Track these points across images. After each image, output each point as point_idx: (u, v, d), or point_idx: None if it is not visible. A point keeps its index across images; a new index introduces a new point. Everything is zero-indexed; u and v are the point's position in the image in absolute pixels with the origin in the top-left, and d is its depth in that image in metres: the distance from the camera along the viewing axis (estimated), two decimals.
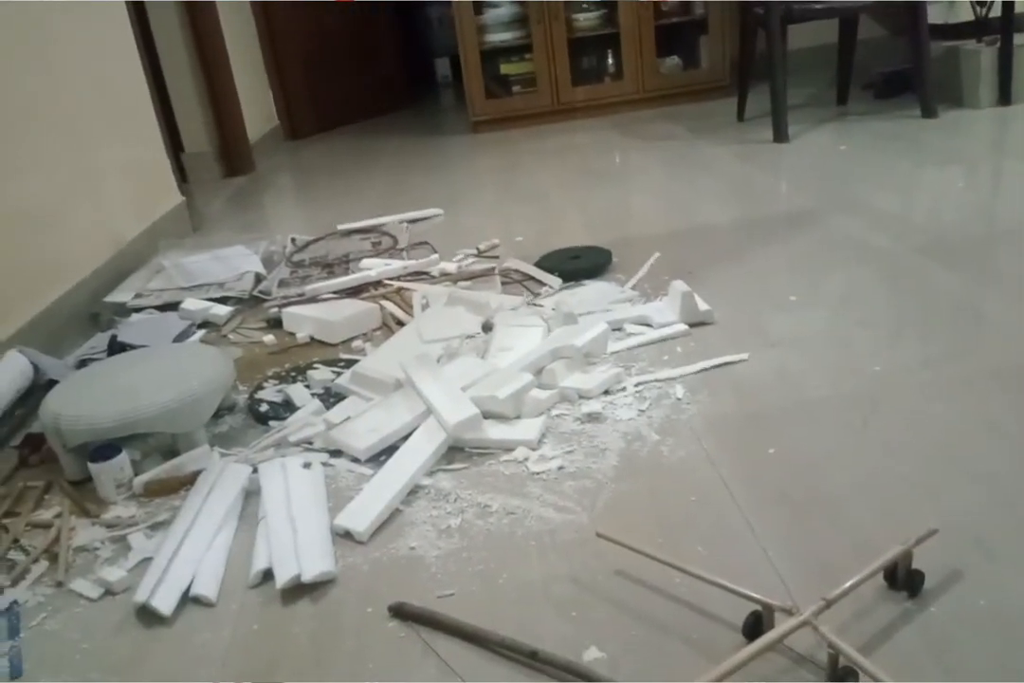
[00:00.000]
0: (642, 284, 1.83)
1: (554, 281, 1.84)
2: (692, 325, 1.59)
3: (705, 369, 1.43)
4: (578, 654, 0.87)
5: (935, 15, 3.09)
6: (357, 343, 1.68)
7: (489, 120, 3.76)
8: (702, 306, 1.60)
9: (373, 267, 1.97)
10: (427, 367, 1.38)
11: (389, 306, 1.77)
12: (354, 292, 1.89)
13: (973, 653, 0.81)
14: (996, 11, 2.96)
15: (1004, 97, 2.98)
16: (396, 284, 1.86)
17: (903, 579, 0.88)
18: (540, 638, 0.89)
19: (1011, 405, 1.20)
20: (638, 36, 3.65)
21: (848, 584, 0.82)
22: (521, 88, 3.74)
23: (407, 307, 1.76)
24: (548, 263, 1.93)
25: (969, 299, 1.56)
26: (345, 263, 2.10)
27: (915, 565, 0.89)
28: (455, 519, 1.12)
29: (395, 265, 1.93)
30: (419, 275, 1.96)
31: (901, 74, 3.38)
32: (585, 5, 3.65)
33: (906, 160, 2.53)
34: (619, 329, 1.61)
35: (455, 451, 1.27)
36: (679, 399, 1.34)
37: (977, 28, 3.01)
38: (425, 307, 1.74)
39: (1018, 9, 2.93)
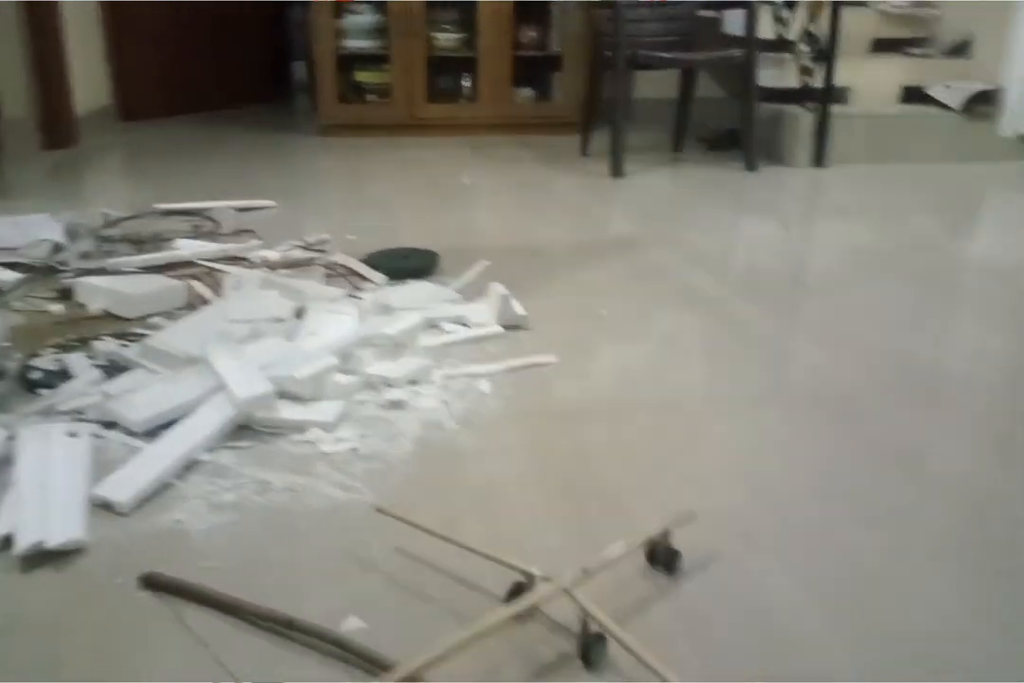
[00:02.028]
0: (467, 289, 1.84)
1: (379, 278, 1.82)
2: (507, 328, 1.61)
3: (513, 368, 1.45)
4: (337, 623, 0.84)
5: (766, 78, 3.35)
6: (157, 320, 1.58)
7: (340, 125, 3.71)
8: (518, 310, 1.62)
9: (187, 248, 1.88)
10: (226, 345, 1.31)
11: (198, 286, 1.68)
12: (163, 270, 1.78)
13: (719, 626, 0.84)
14: (820, 81, 3.26)
15: (819, 159, 3.26)
16: (209, 265, 1.77)
17: (662, 558, 0.91)
18: (302, 610, 0.85)
19: (785, 420, 1.29)
20: (496, 64, 3.74)
21: (608, 557, 0.84)
22: (376, 97, 3.73)
23: (219, 289, 1.68)
24: (375, 260, 1.90)
25: (757, 325, 1.67)
26: (158, 242, 1.98)
27: (678, 549, 0.92)
28: (231, 494, 1.06)
29: (211, 247, 1.84)
30: (237, 260, 1.88)
31: (733, 131, 3.64)
32: (446, 26, 3.70)
33: (724, 205, 2.71)
34: (436, 327, 1.60)
35: (245, 430, 1.21)
36: (484, 393, 1.35)
37: (802, 95, 3.30)
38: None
39: (838, 82, 3.25)
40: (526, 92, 3.90)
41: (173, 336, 1.39)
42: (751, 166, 3.19)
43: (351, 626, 0.84)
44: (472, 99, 3.83)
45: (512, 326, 1.62)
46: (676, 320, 1.69)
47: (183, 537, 0.98)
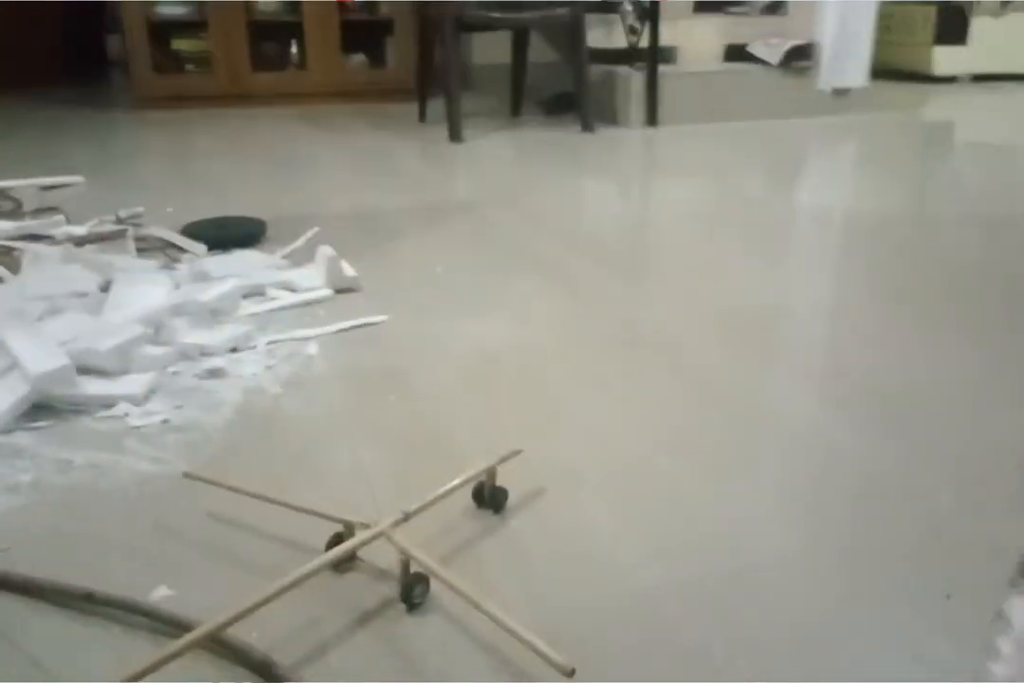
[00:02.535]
0: (296, 255, 1.77)
1: (199, 248, 1.72)
2: (339, 292, 1.56)
3: (343, 329, 1.41)
4: (146, 594, 0.79)
5: (596, 40, 3.40)
6: None
7: (157, 97, 3.51)
8: (348, 272, 1.58)
9: None
10: (20, 321, 1.21)
11: None
12: None
13: (541, 558, 0.85)
14: (646, 42, 3.33)
15: (651, 118, 3.35)
16: (6, 244, 1.63)
17: (488, 497, 0.90)
18: (107, 584, 0.79)
19: (616, 367, 1.31)
20: (323, 29, 3.62)
21: (429, 498, 0.83)
22: (195, 67, 3.54)
23: (16, 268, 1.55)
24: (194, 230, 1.80)
25: (589, 279, 1.70)
26: None
27: (505, 487, 0.92)
28: (26, 476, 0.98)
29: (6, 225, 1.69)
30: (40, 239, 1.74)
31: (569, 95, 3.68)
32: None
33: (560, 166, 2.74)
34: (261, 294, 1.54)
35: (44, 409, 1.12)
36: (311, 356, 1.30)
37: (630, 55, 3.36)
38: None
39: (664, 43, 3.33)
40: (358, 58, 3.81)
41: None
42: (587, 127, 3.24)
43: (159, 594, 0.79)
44: (301, 67, 3.70)
45: (344, 289, 1.57)
46: (511, 278, 1.69)
47: None
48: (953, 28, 4.40)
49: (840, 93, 3.56)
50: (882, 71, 4.37)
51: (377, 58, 3.89)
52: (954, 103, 4.05)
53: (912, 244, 1.89)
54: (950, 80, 4.51)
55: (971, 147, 3.04)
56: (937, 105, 4.00)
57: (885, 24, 4.53)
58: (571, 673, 0.66)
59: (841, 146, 3.07)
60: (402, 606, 0.78)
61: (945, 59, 4.46)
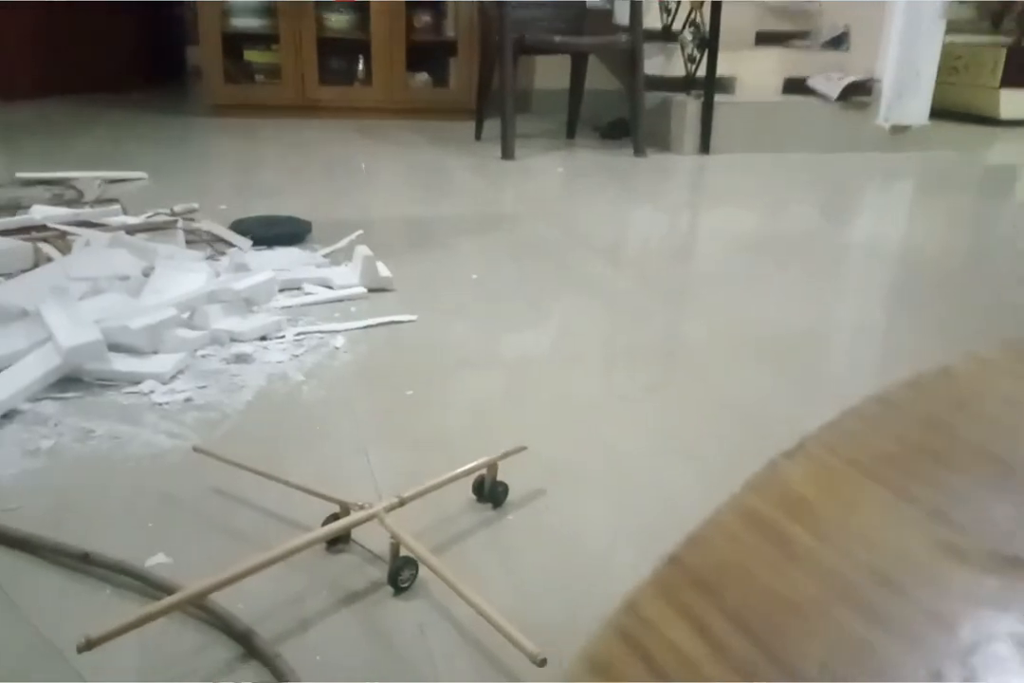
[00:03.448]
0: (337, 255, 1.81)
1: (244, 243, 1.77)
2: (372, 290, 1.59)
3: (371, 325, 1.43)
4: (142, 560, 0.81)
5: (654, 67, 3.42)
6: None
7: (228, 106, 3.62)
8: (383, 272, 1.60)
9: (43, 214, 1.79)
10: (61, 299, 1.25)
11: (47, 248, 1.61)
12: (14, 234, 1.69)
13: (532, 552, 0.84)
14: (704, 70, 3.35)
15: (705, 146, 3.35)
16: (63, 229, 1.69)
17: (489, 490, 0.90)
18: (106, 548, 0.81)
19: (634, 377, 1.30)
20: (389, 47, 3.71)
21: (426, 485, 0.83)
22: (265, 78, 3.65)
23: (68, 251, 1.61)
24: (242, 227, 1.85)
25: (625, 292, 1.70)
26: (13, 209, 1.89)
27: (506, 482, 0.92)
28: (47, 442, 1.01)
29: (64, 211, 1.76)
30: (95, 226, 1.80)
31: (624, 121, 3.71)
32: (338, 6, 3.65)
33: (610, 187, 2.75)
34: (298, 288, 1.57)
35: (74, 381, 1.16)
36: (337, 348, 1.33)
37: (687, 83, 3.38)
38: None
39: (723, 73, 3.34)
40: (421, 77, 3.89)
41: (8, 291, 1.32)
42: (639, 152, 3.25)
43: (155, 561, 0.81)
44: (366, 82, 3.79)
45: (378, 288, 1.60)
46: (545, 289, 1.70)
47: None
48: (1021, 71, 4.33)
49: (899, 130, 3.52)
50: (947, 112, 4.31)
51: (440, 77, 3.97)
52: (1019, 147, 3.98)
53: (961, 281, 1.85)
54: (1016, 124, 4.42)
55: None
56: (1001, 148, 3.93)
57: (952, 65, 4.48)
58: (542, 662, 0.65)
59: (896, 182, 3.03)
60: (389, 589, 0.78)
61: (1012, 102, 4.38)
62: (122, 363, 1.17)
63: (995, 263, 2.00)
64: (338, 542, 0.83)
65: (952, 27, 4.24)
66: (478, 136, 3.50)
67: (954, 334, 1.50)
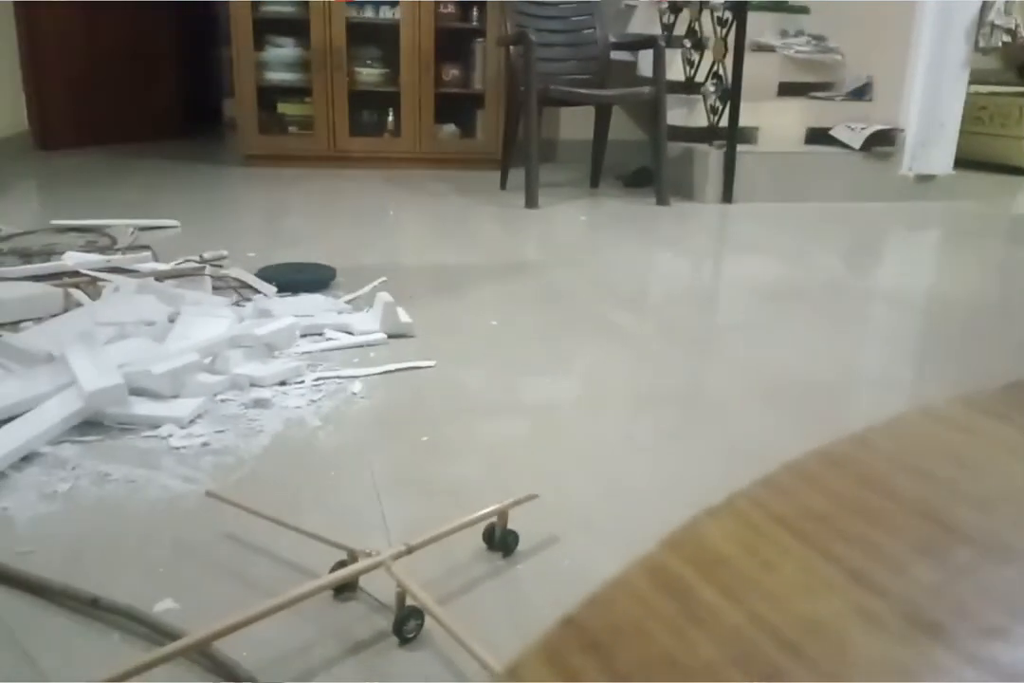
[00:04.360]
0: (360, 301, 1.84)
1: (269, 289, 1.80)
2: (392, 336, 1.61)
3: (389, 371, 1.44)
4: (151, 606, 0.81)
5: (677, 117, 3.48)
6: (28, 325, 1.54)
7: (261, 156, 3.72)
8: (404, 318, 1.62)
9: (75, 260, 1.84)
10: (86, 344, 1.28)
11: (77, 294, 1.65)
12: (47, 280, 1.74)
13: (545, 609, 0.83)
14: (725, 120, 3.39)
15: (727, 195, 3.37)
16: (94, 275, 1.74)
17: (499, 539, 0.89)
18: (116, 593, 0.81)
19: (652, 424, 1.30)
20: (418, 99, 3.81)
21: (434, 533, 0.83)
22: (298, 129, 3.76)
23: (98, 296, 1.65)
24: (268, 273, 1.89)
25: (644, 340, 1.70)
26: (48, 255, 1.94)
27: (516, 531, 0.91)
28: (65, 485, 1.02)
29: (96, 257, 1.81)
30: (126, 272, 1.85)
31: (647, 170, 3.75)
32: (369, 61, 3.76)
33: (633, 235, 2.77)
34: (320, 334, 1.59)
35: (95, 425, 1.17)
36: (354, 394, 1.34)
37: (710, 133, 3.42)
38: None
39: (746, 123, 3.38)
40: (449, 128, 3.98)
41: (36, 336, 1.35)
42: (662, 200, 3.28)
43: (163, 607, 0.81)
44: (396, 133, 3.88)
45: (398, 334, 1.61)
46: (564, 335, 1.71)
47: (6, 524, 0.94)
48: None
49: (923, 180, 3.52)
50: (972, 162, 4.31)
51: (467, 128, 4.05)
52: None
53: (985, 329, 1.83)
54: None
55: None
56: None
57: (976, 115, 4.50)
58: None
59: (921, 231, 3.02)
60: (395, 639, 0.77)
61: None
62: (142, 407, 1.18)
63: (1021, 311, 1.97)
64: (345, 590, 0.83)
65: (977, 77, 4.27)
66: (503, 185, 3.56)
67: (979, 382, 1.48)
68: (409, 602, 0.77)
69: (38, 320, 1.56)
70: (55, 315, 1.59)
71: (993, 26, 3.50)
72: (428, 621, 0.78)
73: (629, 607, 0.12)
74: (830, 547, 0.13)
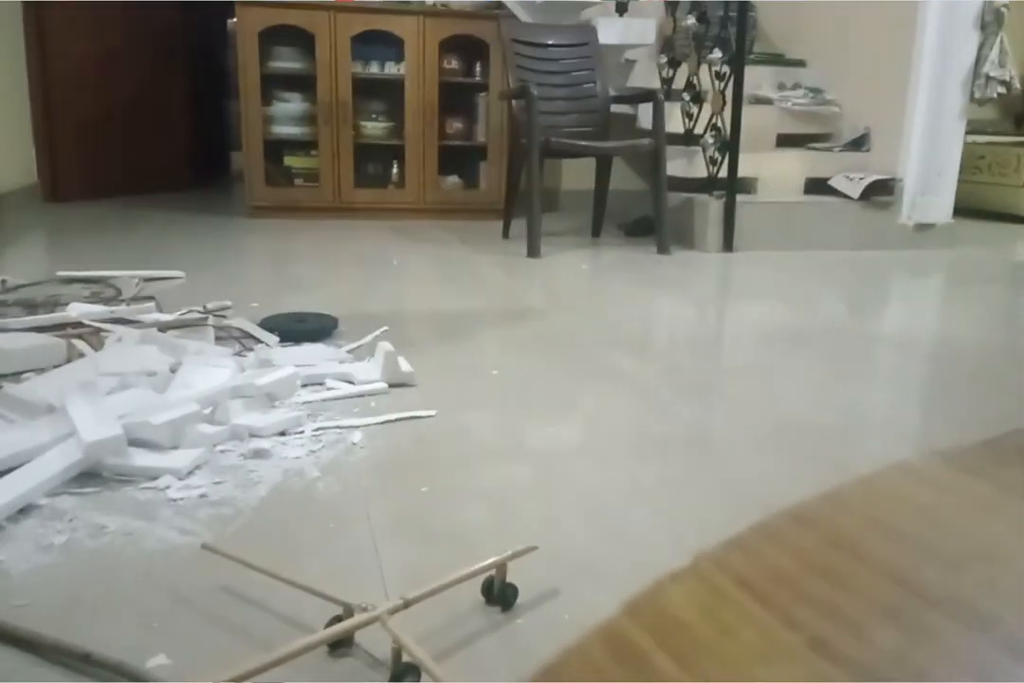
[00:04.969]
0: (361, 351, 1.84)
1: (271, 339, 1.81)
2: (393, 385, 1.61)
3: (390, 421, 1.43)
4: (144, 660, 0.79)
5: (677, 168, 3.53)
6: (30, 375, 1.55)
7: (268, 207, 3.78)
8: (405, 367, 1.62)
9: (79, 311, 1.86)
10: (87, 394, 1.28)
11: (81, 345, 1.66)
12: (51, 331, 1.75)
13: (541, 660, 0.81)
14: (724, 171, 3.44)
15: (727, 244, 3.40)
16: (96, 325, 1.75)
17: (498, 592, 0.88)
18: (110, 648, 0.80)
19: (653, 470, 1.29)
20: (422, 152, 3.88)
21: (431, 587, 0.81)
22: (304, 181, 3.82)
23: (100, 347, 1.66)
24: (271, 323, 1.90)
25: (647, 386, 1.70)
26: (52, 306, 1.96)
27: (517, 584, 0.90)
28: (61, 537, 1.01)
29: (100, 308, 1.82)
30: (130, 323, 1.86)
31: (649, 219, 3.80)
32: (374, 114, 3.85)
33: (632, 284, 2.79)
34: (321, 383, 1.59)
35: (93, 476, 1.17)
36: (354, 443, 1.33)
37: (709, 184, 3.47)
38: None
39: (745, 174, 3.43)
40: (452, 179, 4.04)
41: (38, 386, 1.36)
42: (663, 249, 3.31)
43: (156, 663, 0.79)
44: (400, 185, 3.95)
45: (399, 383, 1.61)
46: (565, 382, 1.71)
47: (2, 576, 0.93)
48: None
49: (923, 228, 3.55)
50: (971, 210, 4.35)
51: (471, 179, 4.12)
52: None
53: (990, 374, 1.82)
54: None
55: None
56: None
57: (975, 165, 4.56)
58: None
59: (921, 278, 3.04)
60: None
61: None
62: (141, 458, 1.18)
63: (1019, 358, 1.97)
64: (341, 645, 0.81)
65: (975, 127, 4.34)
66: (506, 234, 3.60)
67: (984, 427, 1.47)
68: (405, 658, 0.75)
69: (41, 371, 1.57)
70: (58, 366, 1.60)
71: (988, 78, 3.57)
72: (425, 678, 0.76)
73: (581, 675, 0.12)
74: (792, 611, 0.13)
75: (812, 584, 0.14)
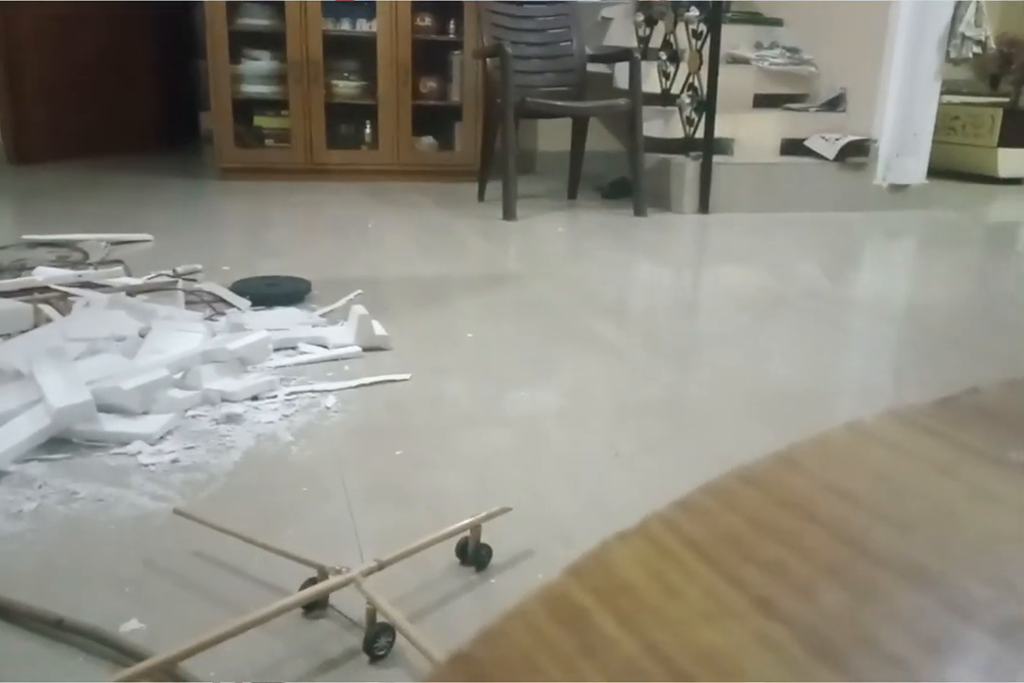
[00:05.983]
0: (335, 315, 1.83)
1: (243, 303, 1.79)
2: (368, 349, 1.60)
3: (364, 385, 1.43)
4: (118, 626, 0.79)
5: (653, 129, 3.50)
6: None
7: (238, 169, 3.71)
8: (379, 331, 1.61)
9: (46, 275, 1.82)
10: (55, 360, 1.26)
11: (48, 310, 1.63)
12: (16, 296, 1.72)
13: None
14: (701, 132, 3.41)
15: (704, 205, 3.39)
16: (63, 290, 1.72)
17: (472, 553, 0.89)
18: (82, 613, 0.80)
19: (630, 435, 1.30)
20: (396, 112, 3.81)
21: (405, 549, 0.82)
22: (274, 142, 3.75)
23: (69, 312, 1.63)
24: (243, 287, 1.87)
25: (625, 350, 1.70)
26: (17, 270, 1.92)
27: (492, 546, 0.91)
28: (31, 504, 1.00)
29: (67, 272, 1.79)
30: (97, 287, 1.83)
31: (625, 181, 3.77)
32: (346, 73, 3.77)
33: (611, 246, 2.78)
34: (294, 348, 1.58)
35: (63, 443, 1.16)
36: (328, 408, 1.33)
37: (686, 145, 3.44)
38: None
39: (721, 134, 3.41)
40: (427, 140, 3.98)
41: (4, 352, 1.33)
42: (639, 211, 3.30)
43: (129, 627, 0.79)
44: (373, 146, 3.88)
45: (373, 347, 1.61)
46: (541, 346, 1.71)
47: None
48: (1019, 130, 4.40)
49: (898, 189, 3.56)
50: (946, 171, 4.36)
51: (445, 141, 4.06)
52: (1019, 204, 4.01)
53: (966, 336, 1.84)
54: (1015, 182, 4.47)
55: None
56: (1001, 206, 3.96)
57: (950, 125, 4.56)
58: None
59: (897, 240, 3.05)
60: (365, 657, 0.76)
61: (1010, 161, 4.44)
62: (111, 424, 1.17)
63: (1001, 318, 2.00)
64: (315, 607, 0.82)
65: (950, 88, 4.34)
66: (481, 197, 3.56)
67: (958, 388, 1.49)
68: (380, 619, 0.76)
69: (7, 336, 1.54)
70: (24, 331, 1.57)
71: (964, 37, 3.55)
72: (400, 638, 0.77)
73: (522, 639, 0.12)
74: (738, 572, 0.13)
75: (760, 544, 0.14)
